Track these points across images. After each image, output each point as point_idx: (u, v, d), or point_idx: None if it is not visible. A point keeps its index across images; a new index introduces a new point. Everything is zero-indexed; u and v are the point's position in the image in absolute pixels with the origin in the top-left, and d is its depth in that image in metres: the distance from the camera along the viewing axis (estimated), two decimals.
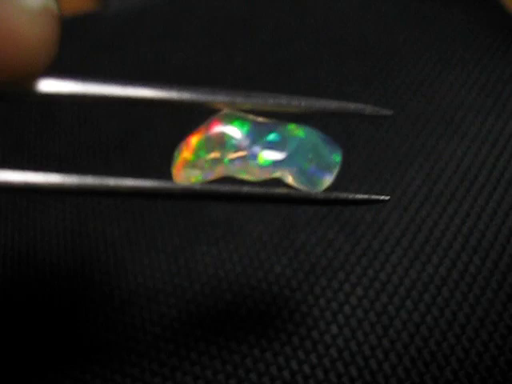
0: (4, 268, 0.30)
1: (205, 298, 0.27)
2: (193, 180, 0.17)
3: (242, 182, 0.17)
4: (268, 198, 0.17)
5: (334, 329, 0.24)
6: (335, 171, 0.18)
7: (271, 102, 0.17)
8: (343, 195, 0.18)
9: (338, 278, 0.26)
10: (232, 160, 0.17)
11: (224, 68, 0.41)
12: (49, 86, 0.15)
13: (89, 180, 0.16)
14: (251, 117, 0.17)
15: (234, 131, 0.17)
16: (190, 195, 0.17)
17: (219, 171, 0.17)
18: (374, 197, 0.18)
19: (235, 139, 0.17)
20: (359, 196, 0.18)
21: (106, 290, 0.28)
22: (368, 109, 0.18)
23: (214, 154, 0.17)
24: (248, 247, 0.28)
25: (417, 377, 0.23)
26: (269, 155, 0.17)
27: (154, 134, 0.35)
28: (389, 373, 0.23)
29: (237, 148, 0.17)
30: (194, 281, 0.27)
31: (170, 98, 0.16)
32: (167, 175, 0.18)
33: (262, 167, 0.17)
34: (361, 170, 0.30)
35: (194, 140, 0.17)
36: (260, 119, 0.17)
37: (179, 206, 0.31)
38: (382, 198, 0.19)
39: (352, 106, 0.18)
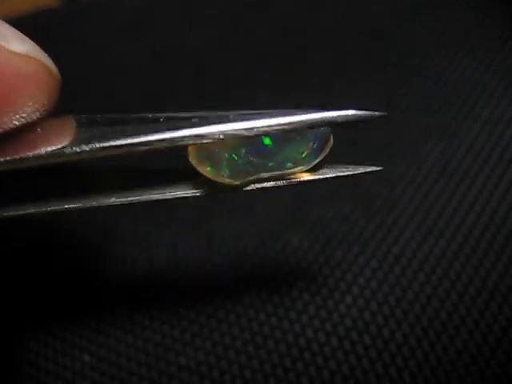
0: (27, 241, 0.31)
1: (224, 269, 0.28)
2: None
3: None
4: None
5: (349, 299, 0.25)
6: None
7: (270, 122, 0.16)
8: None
9: (352, 251, 0.27)
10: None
11: (241, 52, 0.41)
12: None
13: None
14: None
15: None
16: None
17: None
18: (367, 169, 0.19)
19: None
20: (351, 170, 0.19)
21: (129, 261, 0.29)
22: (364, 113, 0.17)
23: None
24: (266, 221, 0.29)
25: (428, 346, 0.24)
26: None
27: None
28: (401, 341, 0.24)
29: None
30: (214, 252, 0.28)
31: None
32: None
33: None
34: (376, 147, 0.31)
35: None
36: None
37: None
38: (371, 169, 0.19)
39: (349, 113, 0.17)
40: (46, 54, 0.16)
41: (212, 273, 0.27)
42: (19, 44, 0.15)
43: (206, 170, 0.17)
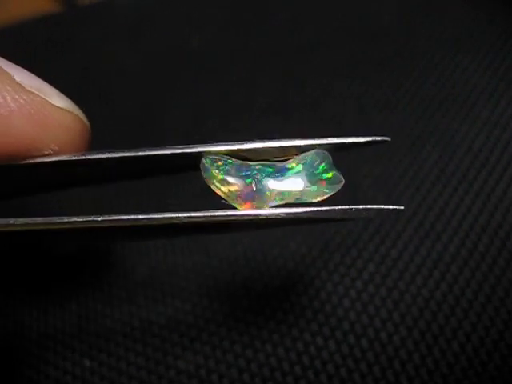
0: (26, 243, 0.31)
1: (222, 273, 0.28)
2: None
3: None
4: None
5: (347, 303, 0.26)
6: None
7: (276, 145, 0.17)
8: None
9: (350, 255, 0.27)
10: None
11: (241, 53, 0.41)
12: None
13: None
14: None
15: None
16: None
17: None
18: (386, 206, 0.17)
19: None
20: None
21: (129, 265, 0.29)
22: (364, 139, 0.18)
23: None
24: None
25: (425, 349, 0.24)
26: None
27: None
28: (398, 344, 0.24)
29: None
30: (212, 256, 0.28)
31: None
32: None
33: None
34: (374, 150, 0.31)
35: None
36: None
37: (196, 186, 0.31)
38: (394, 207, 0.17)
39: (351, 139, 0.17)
40: (79, 108, 0.19)
41: (210, 277, 0.28)
42: (59, 100, 0.18)
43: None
